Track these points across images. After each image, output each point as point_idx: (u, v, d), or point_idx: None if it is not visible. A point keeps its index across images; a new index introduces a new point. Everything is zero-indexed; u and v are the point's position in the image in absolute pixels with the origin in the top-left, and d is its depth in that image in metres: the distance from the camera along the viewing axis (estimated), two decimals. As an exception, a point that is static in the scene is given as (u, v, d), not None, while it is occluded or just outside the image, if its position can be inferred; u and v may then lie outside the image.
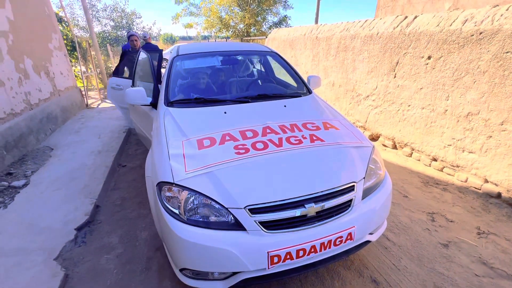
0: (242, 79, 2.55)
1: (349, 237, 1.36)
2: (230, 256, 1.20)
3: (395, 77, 3.04)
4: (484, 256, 1.75)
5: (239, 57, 2.75)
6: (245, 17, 9.82)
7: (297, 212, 1.26)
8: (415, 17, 2.84)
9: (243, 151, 1.48)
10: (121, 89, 3.47)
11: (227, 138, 1.59)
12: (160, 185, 1.39)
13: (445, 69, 2.48)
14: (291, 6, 10.60)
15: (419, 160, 2.93)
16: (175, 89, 2.25)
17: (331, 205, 1.32)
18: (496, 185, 2.23)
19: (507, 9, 2.06)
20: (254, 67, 2.90)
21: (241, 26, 10.61)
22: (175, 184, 1.33)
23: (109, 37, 13.40)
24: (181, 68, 2.43)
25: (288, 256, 1.24)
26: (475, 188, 2.40)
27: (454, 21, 2.40)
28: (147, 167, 1.71)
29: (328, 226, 1.31)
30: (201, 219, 1.27)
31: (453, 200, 2.33)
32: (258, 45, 2.87)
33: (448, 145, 2.56)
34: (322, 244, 1.29)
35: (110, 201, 2.47)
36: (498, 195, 2.23)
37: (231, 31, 10.70)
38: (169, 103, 2.06)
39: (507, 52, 2.01)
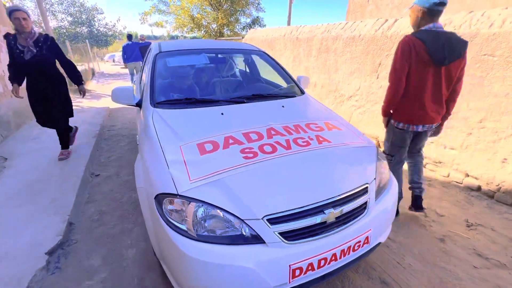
0: (232, 78, 2.42)
1: (366, 241, 1.31)
2: (249, 274, 1.07)
3: (377, 78, 3.14)
4: (478, 248, 1.84)
5: (227, 56, 2.61)
6: (218, 17, 9.62)
7: (317, 219, 1.17)
8: (395, 20, 2.96)
9: (251, 155, 1.35)
10: None
11: (231, 141, 1.45)
12: (160, 197, 1.21)
13: (426, 70, 2.60)
14: (263, 9, 10.68)
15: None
16: (162, 89, 2.04)
17: (349, 209, 1.26)
18: (476, 179, 2.38)
19: (482, 15, 2.22)
20: (243, 66, 2.77)
21: (214, 26, 10.37)
22: (180, 195, 1.16)
23: (67, 34, 12.24)
24: (165, 65, 2.22)
25: (309, 267, 1.15)
26: (457, 182, 2.55)
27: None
28: (137, 176, 1.50)
29: (347, 232, 1.24)
30: (213, 234, 1.12)
31: (439, 194, 2.44)
32: (245, 44, 2.76)
33: (431, 142, 2.69)
34: (342, 251, 1.22)
35: (86, 217, 2.16)
36: (478, 188, 2.39)
37: (203, 31, 10.41)
38: (156, 104, 1.86)
39: (485, 55, 2.16)
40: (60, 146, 2.99)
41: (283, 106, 1.96)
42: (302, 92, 2.32)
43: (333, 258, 1.20)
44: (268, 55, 2.67)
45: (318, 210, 1.19)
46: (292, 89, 2.35)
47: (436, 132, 1.98)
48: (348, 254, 1.26)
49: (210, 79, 2.31)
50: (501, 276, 1.61)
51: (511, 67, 2.02)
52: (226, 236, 1.12)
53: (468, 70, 2.30)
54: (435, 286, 1.56)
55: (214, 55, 2.50)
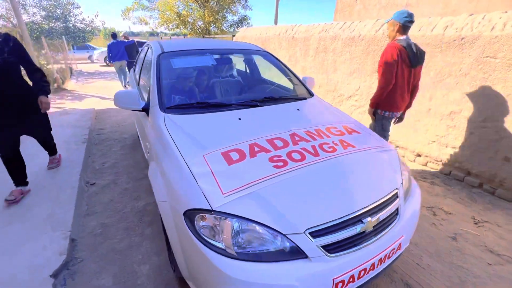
0: (240, 80, 2.33)
1: (399, 247, 1.30)
2: (293, 291, 1.02)
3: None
4: (488, 244, 1.90)
5: (232, 56, 2.52)
6: (204, 14, 9.36)
7: (357, 229, 1.14)
8: (395, 21, 2.99)
9: (281, 163, 1.29)
10: None
11: (256, 149, 1.39)
12: (190, 213, 1.12)
13: (427, 71, 2.66)
14: (250, 7, 10.54)
15: (403, 157, 3.12)
16: (170, 92, 1.92)
17: (384, 216, 1.24)
18: (477, 176, 2.48)
19: (483, 18, 2.29)
20: (247, 67, 2.69)
21: (200, 23, 10.10)
22: (214, 211, 1.08)
23: (39, 29, 11.41)
24: (170, 67, 2.10)
25: (351, 280, 1.12)
26: (459, 180, 2.64)
27: (435, 27, 2.59)
28: (157, 189, 1.39)
29: (383, 240, 1.22)
30: (253, 251, 1.05)
31: (443, 192, 2.51)
32: (249, 44, 2.67)
33: (432, 141, 2.77)
34: (380, 260, 1.20)
35: (88, 231, 2.00)
36: (480, 185, 2.48)
37: (190, 28, 10.10)
38: (166, 109, 1.74)
39: (487, 57, 2.23)
40: (47, 153, 2.70)
41: (298, 109, 1.92)
42: (311, 94, 2.29)
43: (371, 267, 1.18)
44: (272, 55, 2.61)
45: (357, 219, 1.16)
46: (301, 91, 2.31)
47: (401, 119, 2.44)
48: (384, 262, 1.24)
49: (218, 81, 2.21)
50: (476, 260, 1.70)
51: (513, 69, 2.10)
52: (267, 253, 1.05)
53: (470, 71, 2.37)
54: (457, 285, 1.59)
55: (219, 56, 2.39)
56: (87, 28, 12.75)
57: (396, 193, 1.35)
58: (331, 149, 1.45)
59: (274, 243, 1.07)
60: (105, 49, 14.36)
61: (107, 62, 13.57)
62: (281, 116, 1.79)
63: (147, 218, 2.17)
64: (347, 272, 1.09)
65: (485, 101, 2.30)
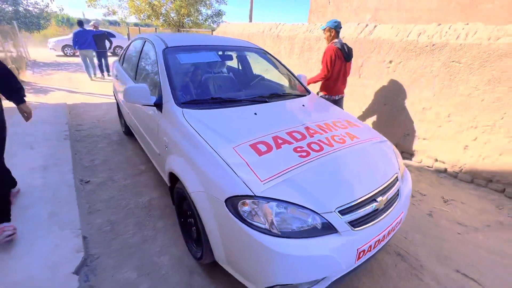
0: (246, 76, 2.43)
1: (400, 221, 1.55)
2: (329, 261, 1.19)
3: (359, 77, 3.50)
4: (456, 218, 2.30)
5: (234, 53, 2.59)
6: (181, 6, 9.04)
7: (373, 206, 1.35)
8: (375, 26, 3.32)
9: (305, 153, 1.45)
10: None
11: (280, 141, 1.53)
12: (233, 200, 1.23)
13: (404, 72, 3.03)
14: (225, 1, 10.40)
15: (381, 148, 3.50)
16: (183, 88, 1.96)
17: (391, 195, 1.47)
18: (443, 163, 2.92)
19: (449, 28, 2.68)
20: (246, 64, 2.78)
21: (173, 15, 9.72)
22: (257, 196, 1.20)
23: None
24: (178, 62, 2.11)
25: (369, 249, 1.33)
26: (428, 166, 3.08)
27: (410, 33, 2.95)
28: (190, 181, 1.45)
29: (390, 215, 1.45)
30: (294, 229, 1.20)
31: (417, 178, 2.91)
32: (246, 42, 2.77)
33: (406, 134, 3.16)
34: (389, 232, 1.43)
35: (95, 229, 1.96)
36: (445, 170, 2.93)
37: (162, 19, 9.66)
38: (182, 104, 1.79)
39: (453, 61, 2.63)
40: None
41: (303, 105, 2.09)
42: (308, 91, 2.48)
43: (383, 238, 1.40)
44: (269, 53, 2.74)
45: (372, 199, 1.37)
46: (300, 88, 2.49)
47: (340, 101, 3.11)
48: (391, 233, 1.48)
49: (226, 77, 2.28)
50: (478, 238, 2.07)
51: (473, 72, 2.52)
52: (306, 230, 1.21)
53: (439, 73, 2.77)
54: (437, 254, 1.92)
55: (221, 52, 2.46)
56: (43, 14, 11.44)
57: (397, 176, 1.60)
58: (341, 141, 1.64)
59: (310, 221, 1.22)
60: (63, 37, 13.18)
61: (66, 51, 12.45)
62: (291, 111, 1.94)
63: (155, 212, 2.18)
64: (367, 243, 1.30)
65: (451, 99, 2.72)
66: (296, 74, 2.68)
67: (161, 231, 1.99)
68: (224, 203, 1.24)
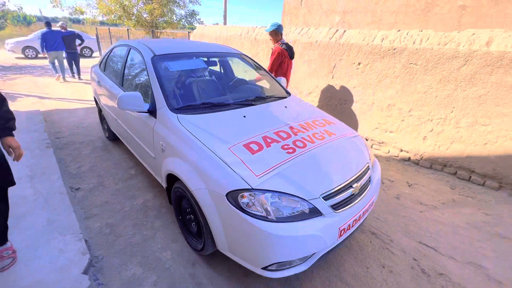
0: (231, 81, 2.60)
1: (372, 204, 1.84)
2: (316, 239, 1.42)
3: (333, 78, 3.82)
4: (419, 199, 2.68)
5: (217, 59, 2.75)
6: (153, 7, 8.85)
7: (350, 192, 1.61)
8: (344, 31, 3.65)
9: (291, 150, 1.68)
10: None
11: (269, 140, 1.73)
12: (233, 194, 1.41)
13: (371, 73, 3.38)
14: (199, 1, 10.34)
15: (354, 141, 3.86)
16: (175, 94, 2.09)
17: (364, 182, 1.75)
18: (407, 152, 3.32)
19: (407, 34, 3.06)
20: (232, 69, 2.95)
21: (145, 15, 9.48)
22: (254, 189, 1.40)
23: None
24: (167, 70, 2.23)
25: (348, 227, 1.59)
26: (394, 156, 3.47)
27: (375, 38, 3.30)
28: (191, 179, 1.60)
29: (364, 199, 1.72)
30: (287, 215, 1.41)
31: (385, 166, 3.29)
32: (229, 48, 2.94)
33: (376, 128, 3.54)
34: (364, 212, 1.71)
35: (95, 232, 2.04)
36: (408, 159, 3.34)
37: (135, 20, 9.38)
38: (176, 110, 1.93)
39: (411, 63, 3.01)
40: None
41: (285, 107, 2.31)
42: (288, 93, 2.71)
43: (359, 218, 1.67)
44: (250, 57, 2.94)
45: (348, 185, 1.63)
46: (281, 91, 2.71)
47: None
48: (365, 214, 1.75)
49: (213, 83, 2.43)
50: (436, 214, 2.45)
51: (428, 73, 2.92)
52: (296, 215, 1.43)
53: (400, 74, 3.15)
54: (405, 229, 2.26)
55: (207, 59, 2.60)
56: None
57: (368, 166, 1.88)
58: (321, 137, 1.89)
59: (299, 207, 1.45)
60: (23, 38, 12.27)
61: (27, 52, 11.66)
62: (275, 113, 2.16)
63: (151, 213, 2.29)
64: (346, 222, 1.55)
65: (411, 96, 3.11)
66: (277, 77, 2.90)
67: (160, 229, 2.11)
68: (225, 197, 1.42)
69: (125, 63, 2.64)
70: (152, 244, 1.96)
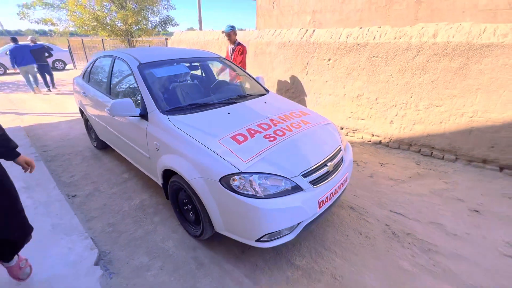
0: (213, 83, 2.81)
1: (346, 180, 2.13)
2: (299, 210, 1.68)
3: (307, 74, 4.13)
4: (389, 175, 3.02)
5: (199, 64, 2.95)
6: (127, 15, 8.82)
7: (325, 170, 1.88)
8: (313, 31, 3.97)
9: (272, 138, 1.93)
10: None
11: (252, 131, 1.97)
12: (225, 178, 1.64)
13: (340, 67, 3.72)
14: (173, 6, 10.41)
15: (332, 131, 4.19)
16: (164, 98, 2.27)
17: (336, 161, 2.02)
18: (378, 136, 3.69)
19: (368, 30, 3.42)
20: (209, 72, 3.16)
21: (119, 24, 9.41)
22: (243, 172, 1.63)
23: None
24: (153, 76, 2.41)
25: (326, 199, 1.86)
26: (367, 141, 3.83)
27: (340, 36, 3.64)
28: (187, 171, 1.79)
29: (338, 175, 2.00)
30: (273, 192, 1.66)
31: (360, 151, 3.64)
32: (208, 52, 3.15)
33: (349, 117, 3.88)
34: (339, 186, 1.99)
35: (98, 232, 2.18)
36: (380, 142, 3.70)
37: (110, 30, 9.27)
38: (166, 112, 2.12)
39: (373, 57, 3.37)
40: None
41: (265, 103, 2.57)
42: (267, 91, 2.97)
43: (335, 192, 1.95)
44: (229, 60, 3.17)
45: (323, 164, 1.90)
46: (259, 88, 2.96)
47: None
48: (340, 189, 2.04)
49: (197, 86, 2.63)
50: (404, 187, 2.80)
51: (388, 64, 3.29)
52: (281, 191, 1.68)
53: (365, 66, 3.50)
54: (378, 202, 2.57)
55: (190, 64, 2.80)
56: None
57: (340, 147, 2.17)
58: (298, 126, 2.16)
59: (283, 185, 1.69)
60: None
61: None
62: (256, 108, 2.40)
63: (149, 210, 2.46)
64: (324, 195, 1.82)
65: (376, 86, 3.48)
66: (256, 76, 3.15)
67: (159, 224, 2.29)
68: (219, 182, 1.64)
69: (111, 72, 2.78)
70: (154, 236, 2.14)
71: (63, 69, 12.94)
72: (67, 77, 10.53)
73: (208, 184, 1.71)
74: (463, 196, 2.62)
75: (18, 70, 6.96)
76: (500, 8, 4.32)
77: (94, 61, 3.29)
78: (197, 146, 1.80)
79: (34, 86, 7.34)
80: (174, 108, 2.19)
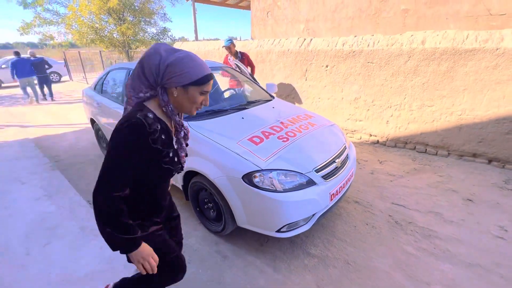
0: (223, 91, 3.01)
1: (352, 175, 2.34)
2: (314, 202, 1.87)
3: (306, 80, 4.38)
4: (389, 172, 3.25)
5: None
6: (128, 28, 9.02)
7: (334, 165, 2.09)
8: (311, 39, 4.24)
9: (285, 139, 2.13)
10: None
11: (267, 134, 2.17)
12: (247, 176, 1.82)
13: (338, 73, 3.98)
14: (169, 18, 10.68)
15: (331, 133, 4.43)
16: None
17: (343, 158, 2.24)
18: (376, 136, 3.93)
19: (362, 38, 3.70)
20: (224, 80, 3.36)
21: (116, 35, 9.60)
22: (263, 170, 1.82)
23: None
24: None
25: (336, 192, 2.06)
26: (366, 141, 4.07)
27: (337, 44, 3.91)
28: (211, 171, 1.96)
29: (345, 170, 2.21)
30: (290, 186, 1.85)
31: (360, 150, 3.87)
32: (214, 62, 3.36)
33: (347, 119, 4.12)
34: (347, 181, 2.20)
35: (124, 232, 2.31)
36: (377, 141, 3.95)
37: (108, 42, 9.44)
38: (185, 118, 2.30)
39: (368, 62, 3.64)
40: None
41: (273, 107, 2.78)
42: (272, 96, 3.19)
43: (344, 186, 2.15)
44: (233, 68, 3.38)
45: (332, 161, 2.11)
46: (265, 94, 3.18)
47: None
48: (347, 183, 2.24)
49: (209, 93, 2.83)
50: (402, 182, 3.03)
51: (382, 69, 3.56)
52: (297, 185, 1.87)
53: (361, 71, 3.77)
54: (380, 196, 2.79)
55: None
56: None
57: (345, 146, 2.39)
58: (306, 128, 2.37)
59: (298, 179, 1.89)
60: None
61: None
62: (266, 113, 2.60)
63: (169, 212, 2.60)
64: (335, 188, 2.02)
65: (372, 89, 3.74)
66: (266, 83, 3.36)
67: (182, 223, 2.44)
68: (242, 179, 1.83)
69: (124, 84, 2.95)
70: (177, 234, 2.29)
71: (58, 81, 12.97)
72: (64, 89, 10.60)
73: (231, 181, 1.88)
74: (456, 187, 2.86)
75: (18, 82, 7.47)
76: (481, 14, 4.69)
77: (107, 74, 3.46)
78: (219, 148, 1.99)
79: (31, 97, 7.82)
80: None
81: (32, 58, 7.52)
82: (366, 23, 6.12)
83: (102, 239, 1.49)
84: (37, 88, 7.89)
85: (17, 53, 7.37)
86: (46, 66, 7.84)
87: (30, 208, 2.50)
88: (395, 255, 2.02)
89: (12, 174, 3.16)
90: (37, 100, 7.84)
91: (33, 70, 7.46)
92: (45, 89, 8.06)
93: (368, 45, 3.61)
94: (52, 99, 8.22)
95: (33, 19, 9.06)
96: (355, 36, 3.79)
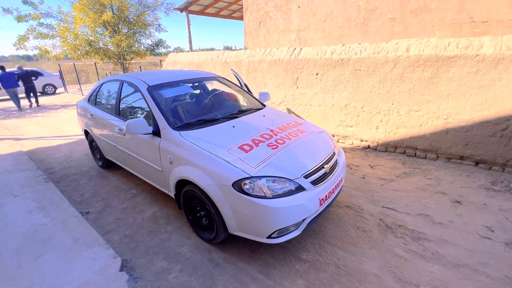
0: (215, 101, 3.07)
1: (341, 180, 2.39)
2: (303, 207, 1.91)
3: (297, 88, 4.47)
4: (379, 176, 3.31)
5: (200, 83, 3.23)
6: (122, 40, 9.13)
7: (322, 171, 2.14)
8: (301, 49, 4.36)
9: (275, 146, 2.18)
10: None
11: (256, 141, 2.22)
12: (237, 183, 1.86)
13: (328, 81, 4.08)
14: (164, 29, 10.85)
15: (324, 139, 4.50)
16: (173, 116, 2.51)
17: (332, 164, 2.29)
18: (366, 141, 4.01)
19: (349, 47, 3.82)
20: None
21: (111, 47, 9.69)
22: (253, 176, 1.86)
23: None
24: (162, 97, 2.66)
25: (326, 197, 2.10)
26: (357, 146, 4.15)
27: (325, 52, 4.03)
28: (202, 179, 2.01)
29: (334, 176, 2.26)
30: (279, 192, 1.89)
31: (351, 156, 3.93)
32: (206, 73, 3.44)
33: (338, 125, 4.21)
34: (336, 186, 2.24)
35: (116, 243, 2.32)
36: (368, 147, 4.02)
37: (103, 54, 9.52)
38: (176, 128, 2.35)
39: (356, 70, 3.75)
40: None
41: (264, 116, 2.84)
42: (264, 105, 3.26)
43: (333, 191, 2.20)
44: (226, 79, 3.46)
45: (321, 167, 2.16)
46: (257, 103, 3.25)
47: None
48: (337, 188, 2.29)
49: (201, 103, 2.89)
50: (392, 185, 3.08)
51: (370, 76, 3.66)
52: (286, 192, 1.91)
53: (350, 79, 3.87)
54: (371, 200, 2.83)
55: (192, 84, 3.07)
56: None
57: (334, 152, 2.44)
58: (295, 135, 2.43)
59: (287, 186, 1.93)
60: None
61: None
62: (257, 121, 2.66)
63: (161, 221, 2.62)
64: (324, 193, 2.06)
65: (361, 95, 3.84)
66: (259, 92, 3.41)
67: (173, 232, 2.45)
68: (232, 187, 1.87)
69: (120, 95, 3.01)
70: (170, 243, 2.30)
71: (54, 93, 12.99)
72: (59, 101, 10.60)
73: (222, 189, 1.92)
74: (445, 189, 2.92)
75: (5, 92, 8.61)
76: (464, 22, 4.88)
77: (100, 86, 3.51)
78: (209, 157, 2.03)
79: (19, 105, 8.95)
80: (184, 124, 2.43)
81: (17, 72, 8.53)
82: (355, 31, 6.30)
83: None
84: (21, 98, 8.92)
85: (2, 68, 8.36)
86: (33, 78, 8.85)
87: (22, 220, 2.50)
88: (385, 258, 2.05)
89: (3, 188, 3.15)
90: (19, 108, 8.80)
91: (17, 82, 8.48)
92: (32, 98, 9.03)
93: (355, 53, 3.73)
94: (38, 105, 9.22)
95: (27, 31, 9.16)
96: (343, 45, 3.91)
